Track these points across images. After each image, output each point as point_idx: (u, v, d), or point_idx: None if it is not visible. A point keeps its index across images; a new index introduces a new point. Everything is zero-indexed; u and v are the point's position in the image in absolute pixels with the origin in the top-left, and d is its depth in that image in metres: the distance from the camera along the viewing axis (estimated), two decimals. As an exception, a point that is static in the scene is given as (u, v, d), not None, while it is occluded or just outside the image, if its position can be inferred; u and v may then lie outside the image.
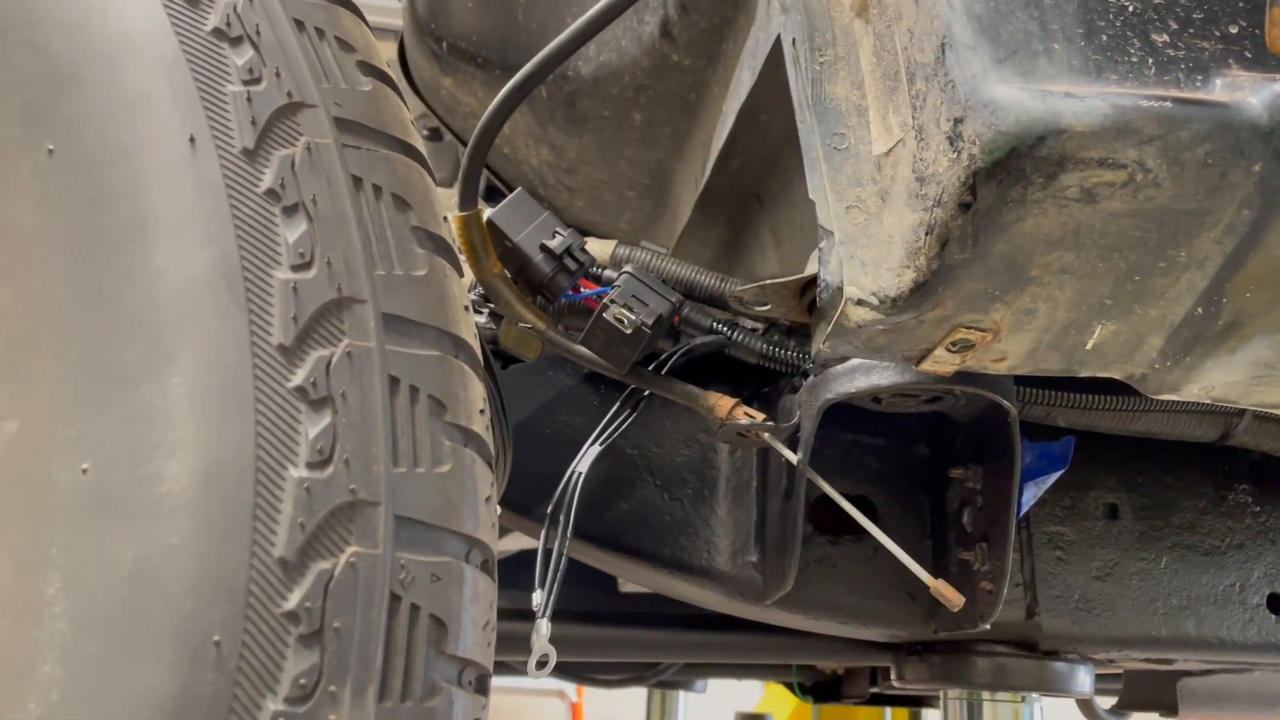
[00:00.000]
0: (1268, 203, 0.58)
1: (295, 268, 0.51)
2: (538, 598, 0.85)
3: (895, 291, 0.66)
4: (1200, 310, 0.65)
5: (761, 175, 1.12)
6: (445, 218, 0.60)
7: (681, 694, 2.85)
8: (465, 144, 1.51)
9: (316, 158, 0.53)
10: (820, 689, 2.62)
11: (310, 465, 0.48)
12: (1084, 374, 0.72)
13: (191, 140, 0.52)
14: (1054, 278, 0.64)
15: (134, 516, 0.47)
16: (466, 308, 0.58)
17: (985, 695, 1.14)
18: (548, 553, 0.91)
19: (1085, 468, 1.13)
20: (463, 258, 1.02)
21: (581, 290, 1.02)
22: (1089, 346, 0.69)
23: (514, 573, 2.26)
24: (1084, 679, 1.13)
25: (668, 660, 1.87)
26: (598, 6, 0.86)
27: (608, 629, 1.54)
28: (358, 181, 0.54)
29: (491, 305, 0.98)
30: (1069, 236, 0.61)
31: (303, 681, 0.46)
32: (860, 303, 0.67)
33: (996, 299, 0.65)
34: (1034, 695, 1.14)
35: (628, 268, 0.94)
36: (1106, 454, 1.13)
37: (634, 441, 1.15)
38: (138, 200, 0.51)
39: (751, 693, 3.99)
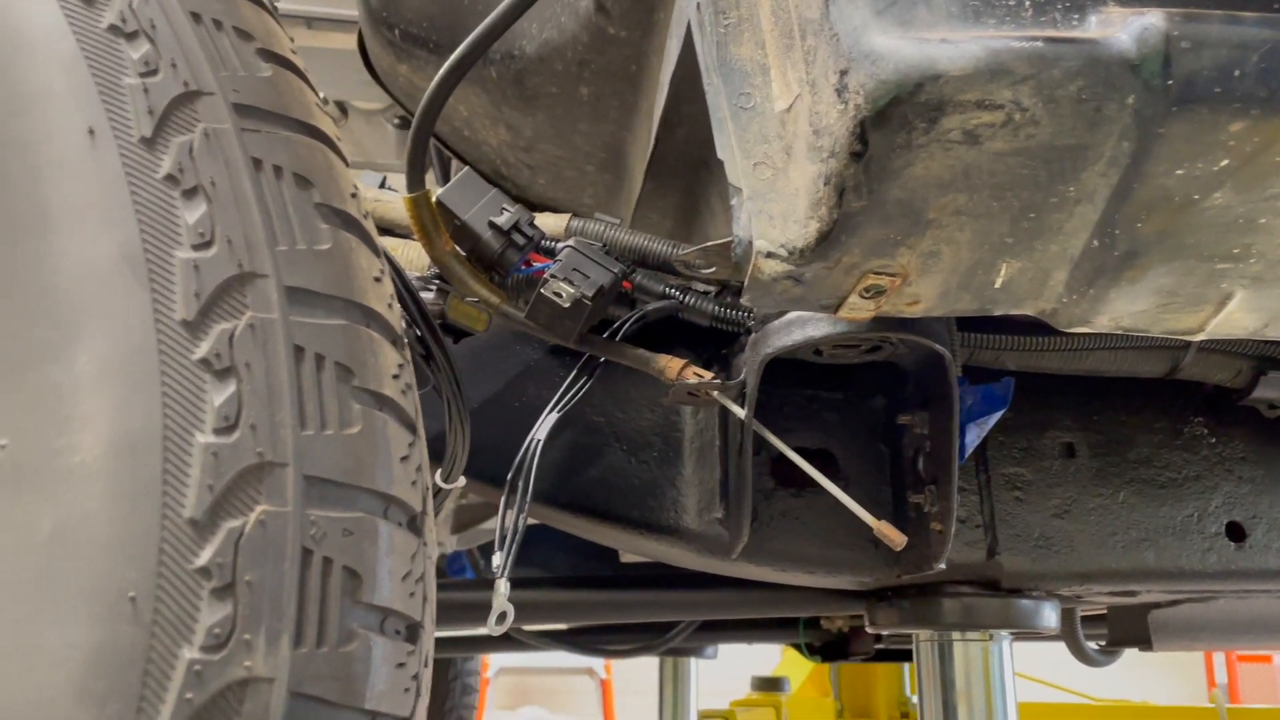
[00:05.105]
0: (1144, 134, 0.60)
1: (196, 247, 0.54)
2: (497, 559, 0.88)
3: (802, 242, 0.68)
4: (1097, 242, 0.67)
5: (707, 142, 1.13)
6: (354, 194, 0.62)
7: (693, 661, 2.89)
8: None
9: (214, 142, 0.56)
10: (828, 649, 2.65)
11: (217, 431, 0.52)
12: (998, 312, 0.74)
13: (91, 132, 0.55)
14: (951, 219, 0.66)
15: (50, 486, 0.50)
16: (377, 278, 0.61)
17: (955, 636, 1.17)
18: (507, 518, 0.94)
19: (1041, 409, 1.15)
20: (415, 237, 1.05)
21: (534, 264, 1.05)
22: (998, 285, 0.72)
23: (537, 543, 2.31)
24: (1049, 614, 1.15)
25: (647, 619, 1.91)
26: (522, -15, 0.88)
27: (594, 592, 1.58)
28: (257, 163, 0.57)
29: (438, 282, 1.01)
30: (959, 178, 0.63)
31: (217, 631, 0.49)
32: (770, 255, 0.69)
33: (900, 244, 0.68)
34: (1002, 633, 1.16)
35: (570, 241, 0.97)
36: (1061, 394, 1.15)
37: (600, 409, 1.18)
38: (40, 191, 0.54)
39: (770, 658, 4.03)
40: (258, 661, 0.49)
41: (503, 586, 0.85)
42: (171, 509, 0.50)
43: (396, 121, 1.89)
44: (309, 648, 0.50)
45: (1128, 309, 0.72)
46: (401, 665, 0.55)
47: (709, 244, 0.95)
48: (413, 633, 0.57)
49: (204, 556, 0.49)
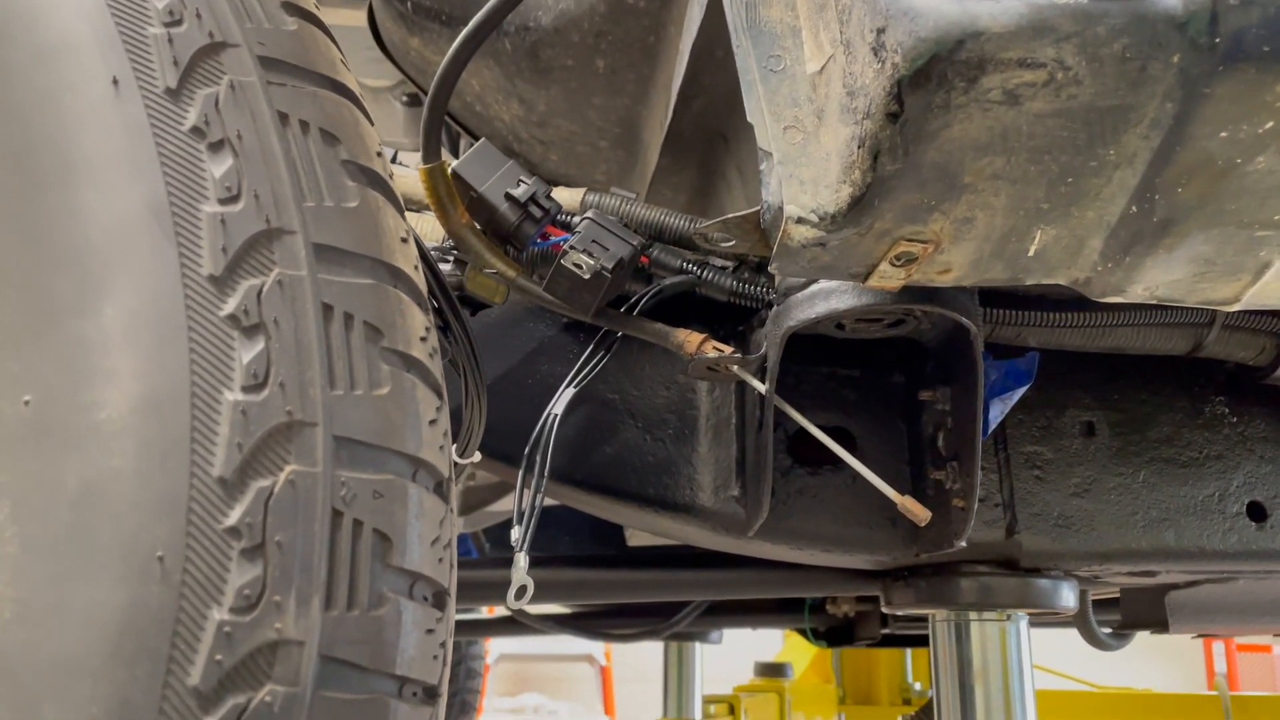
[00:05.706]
0: (1189, 94, 0.59)
1: (223, 201, 0.53)
2: (515, 533, 0.87)
3: (834, 207, 0.67)
4: (1135, 209, 0.66)
5: (725, 114, 1.12)
6: (380, 153, 0.61)
7: (698, 646, 2.88)
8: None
9: (240, 95, 0.55)
10: (833, 634, 2.64)
11: (245, 389, 0.50)
12: (1030, 281, 0.73)
13: (114, 82, 0.54)
14: (987, 184, 0.65)
15: (76, 442, 0.49)
16: (404, 239, 0.60)
17: (972, 616, 1.16)
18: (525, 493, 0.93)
19: (1061, 387, 1.14)
20: (430, 209, 1.04)
21: (550, 237, 1.03)
22: (1031, 253, 0.70)
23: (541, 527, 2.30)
24: (1068, 594, 1.14)
25: (659, 598, 1.90)
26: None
27: (606, 571, 1.57)
28: (284, 117, 0.56)
29: (456, 253, 0.99)
30: (997, 141, 0.62)
31: (247, 592, 0.48)
32: (801, 221, 0.68)
33: (934, 209, 0.66)
34: (1019, 613, 1.15)
35: (589, 213, 0.96)
36: (1082, 373, 1.14)
37: (614, 386, 1.16)
38: (64, 142, 0.53)
39: (773, 645, 4.03)
40: (288, 624, 0.48)
41: (522, 560, 0.83)
42: (200, 467, 0.49)
43: (405, 99, 1.88)
44: (339, 611, 0.49)
45: (1163, 278, 0.70)
46: (430, 632, 0.54)
47: (731, 215, 0.93)
48: (440, 600, 0.56)
49: (233, 516, 0.48)
